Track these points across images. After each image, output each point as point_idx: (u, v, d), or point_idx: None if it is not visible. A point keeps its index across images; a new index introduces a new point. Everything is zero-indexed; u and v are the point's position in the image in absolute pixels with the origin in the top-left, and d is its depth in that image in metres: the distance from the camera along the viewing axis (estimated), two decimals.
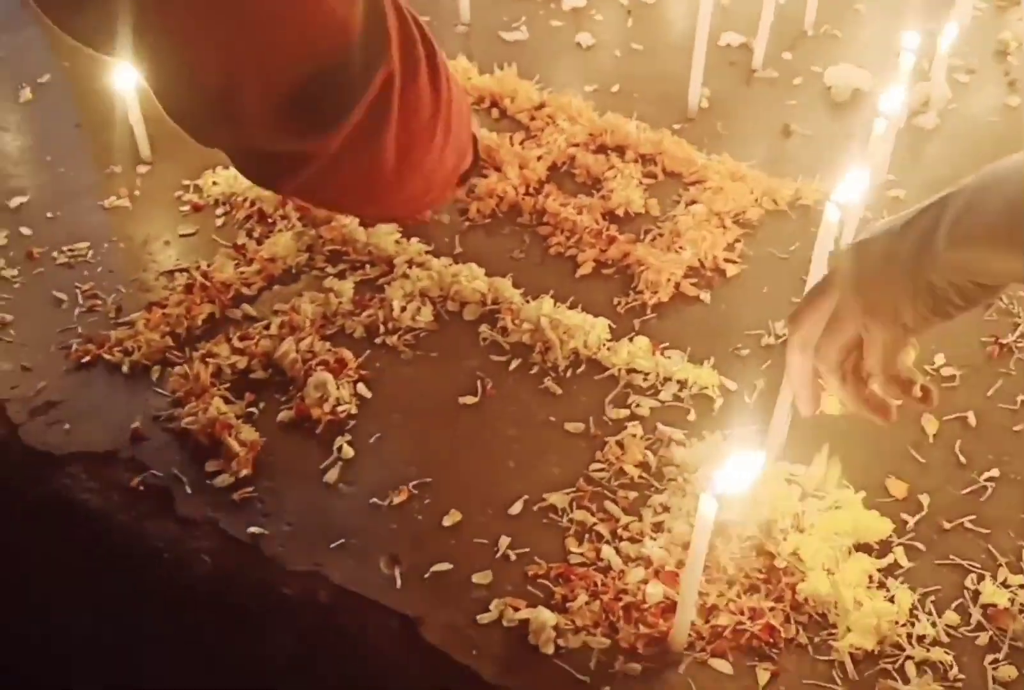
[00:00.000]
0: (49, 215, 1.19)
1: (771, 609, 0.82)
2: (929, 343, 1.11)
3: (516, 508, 0.91)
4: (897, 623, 0.82)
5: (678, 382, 1.04)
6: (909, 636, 0.82)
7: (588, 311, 1.12)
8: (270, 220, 1.18)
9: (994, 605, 0.85)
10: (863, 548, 0.89)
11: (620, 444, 0.97)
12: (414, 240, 1.17)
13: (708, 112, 1.46)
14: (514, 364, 1.05)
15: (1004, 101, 1.49)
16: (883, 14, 1.68)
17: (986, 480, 0.96)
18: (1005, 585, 0.86)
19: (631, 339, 1.07)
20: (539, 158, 1.32)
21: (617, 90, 1.49)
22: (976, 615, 0.84)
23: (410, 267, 1.13)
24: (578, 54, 1.58)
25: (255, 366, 1.01)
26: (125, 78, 1.20)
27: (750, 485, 0.72)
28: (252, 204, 1.19)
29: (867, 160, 1.15)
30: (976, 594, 0.86)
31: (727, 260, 1.20)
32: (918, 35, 1.32)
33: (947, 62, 1.53)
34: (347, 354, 1.01)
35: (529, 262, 1.19)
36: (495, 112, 1.43)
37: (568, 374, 1.05)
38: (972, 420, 1.02)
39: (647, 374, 1.04)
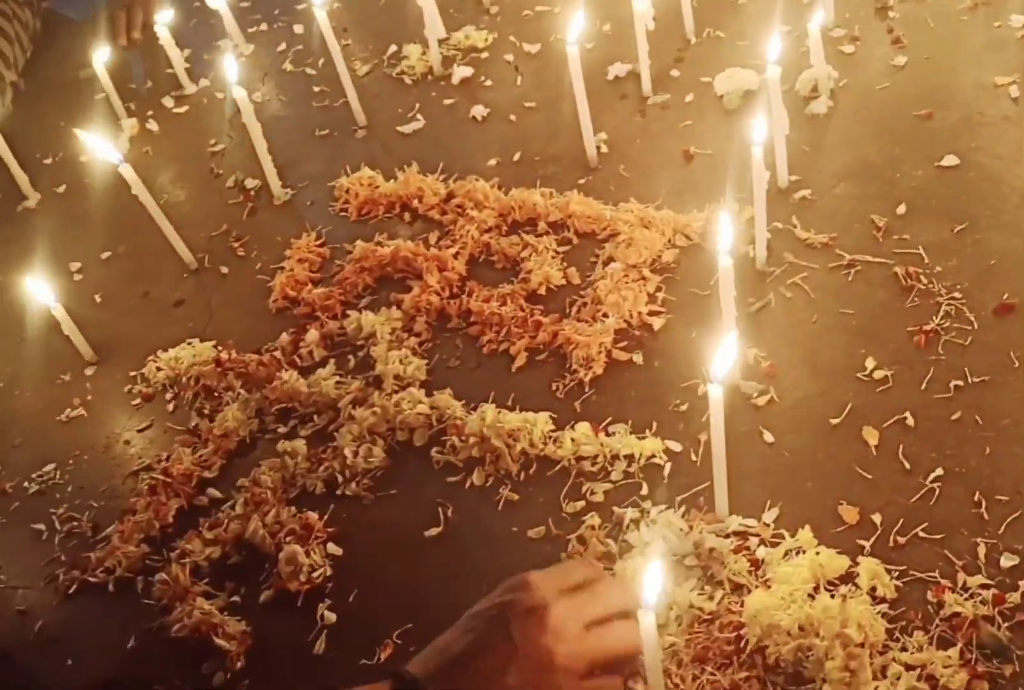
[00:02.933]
0: (13, 444, 1.32)
1: (745, 679, 0.88)
2: (857, 347, 1.16)
3: None
4: (871, 659, 0.88)
5: (625, 458, 1.11)
6: (883, 670, 0.88)
7: (529, 404, 1.19)
8: (216, 394, 1.28)
9: (958, 614, 0.90)
10: (830, 585, 0.95)
11: (581, 539, 1.04)
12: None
13: (609, 157, 1.52)
14: (469, 481, 1.13)
15: (891, 63, 1.52)
16: (762, 3, 1.72)
17: (932, 481, 1.01)
18: (965, 589, 0.91)
19: (573, 426, 1.15)
20: (456, 255, 1.40)
21: (519, 158, 1.56)
22: (942, 628, 0.89)
23: (354, 408, 1.22)
24: (475, 129, 1.65)
25: (230, 552, 1.11)
26: (45, 295, 1.33)
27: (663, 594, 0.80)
28: (197, 381, 1.30)
29: (759, 175, 1.20)
30: (939, 606, 0.91)
31: (652, 313, 1.26)
32: (779, 37, 1.37)
33: (829, 38, 1.57)
34: (312, 517, 1.10)
35: (465, 368, 1.27)
36: (407, 216, 1.51)
37: (522, 477, 1.12)
38: (911, 420, 1.07)
39: (595, 458, 1.11)
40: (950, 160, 1.34)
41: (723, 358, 0.93)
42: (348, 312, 1.35)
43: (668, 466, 1.08)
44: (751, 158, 1.17)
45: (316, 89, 1.81)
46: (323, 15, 1.61)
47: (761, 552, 0.97)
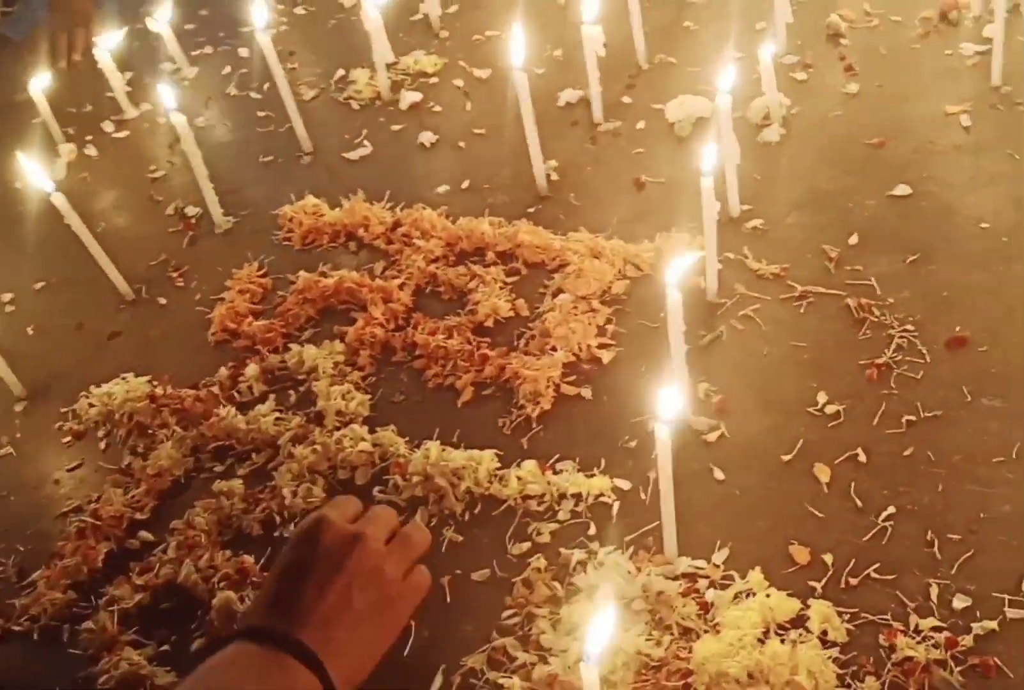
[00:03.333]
0: None
1: None
2: (809, 380, 1.14)
3: (436, 683, 0.96)
4: None
5: (573, 497, 1.08)
6: None
7: (475, 440, 1.17)
8: (150, 431, 1.24)
9: (910, 659, 0.88)
10: (780, 629, 0.93)
11: (527, 582, 1.01)
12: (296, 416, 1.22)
13: (559, 185, 1.50)
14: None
15: (844, 90, 1.52)
16: (714, 26, 1.72)
17: (884, 520, 0.99)
18: (917, 631, 0.90)
19: (520, 464, 1.12)
20: (401, 286, 1.38)
21: (468, 186, 1.54)
22: (894, 673, 0.87)
23: (294, 445, 1.19)
24: (423, 156, 1.63)
25: (161, 598, 1.07)
26: None
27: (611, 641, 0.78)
28: (130, 418, 1.26)
29: (709, 205, 1.19)
30: (891, 650, 0.89)
31: (601, 346, 1.25)
32: (730, 65, 1.36)
33: (781, 65, 1.57)
34: (248, 560, 1.07)
35: (410, 403, 1.24)
36: (352, 245, 1.49)
37: (466, 517, 1.10)
38: (863, 456, 1.05)
39: (542, 497, 1.09)
40: (902, 189, 1.34)
41: (669, 399, 0.91)
42: (290, 345, 1.32)
43: (616, 505, 1.06)
44: (702, 187, 1.16)
45: (261, 114, 1.79)
46: (266, 40, 1.59)
47: (711, 594, 0.95)
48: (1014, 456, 1.01)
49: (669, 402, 0.92)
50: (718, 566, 0.98)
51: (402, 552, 0.89)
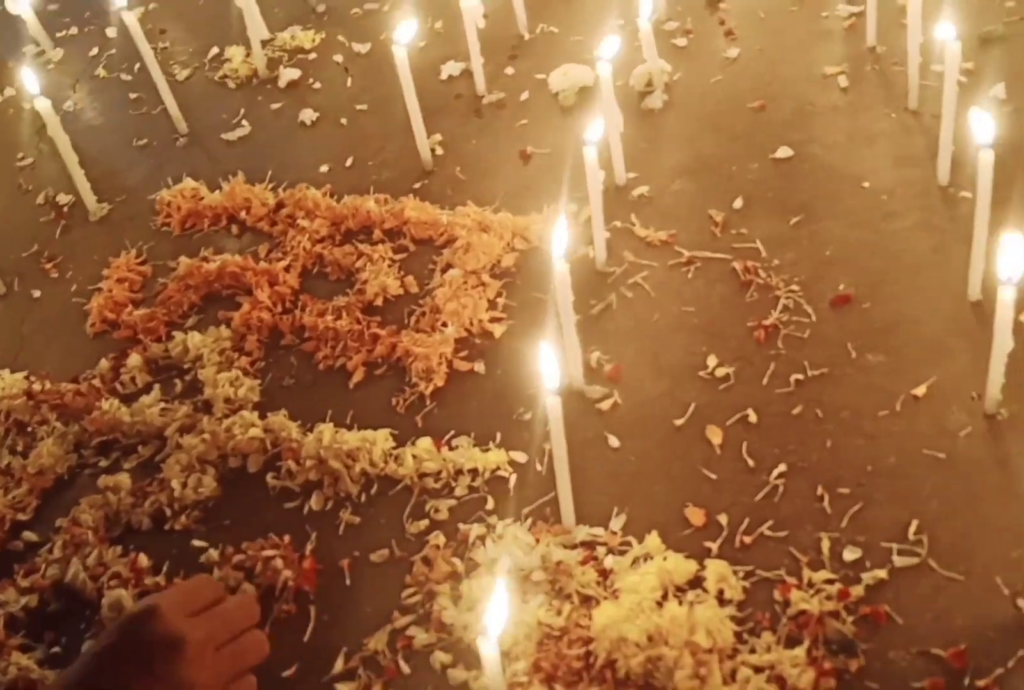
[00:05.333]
0: None
1: None
2: (699, 345, 1.18)
3: (338, 665, 0.97)
4: (720, 664, 0.89)
5: (469, 472, 1.10)
6: (733, 675, 0.89)
7: (369, 421, 1.17)
8: (29, 429, 1.23)
9: (804, 612, 0.92)
10: (678, 590, 0.96)
11: (426, 561, 1.03)
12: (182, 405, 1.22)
13: (444, 159, 1.51)
14: (308, 506, 1.11)
15: (724, 55, 1.56)
16: None
17: (776, 478, 1.03)
18: (810, 585, 0.94)
19: (414, 442, 1.13)
20: (287, 268, 1.37)
21: (351, 163, 1.54)
22: (789, 627, 0.91)
23: (182, 436, 1.18)
24: (305, 134, 1.63)
25: (48, 599, 1.06)
26: None
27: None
28: (7, 416, 1.24)
29: (593, 176, 1.21)
30: (786, 605, 0.93)
31: (493, 319, 1.26)
32: (611, 34, 1.38)
33: (662, 32, 1.60)
34: (141, 558, 1.06)
35: (301, 386, 1.25)
36: (235, 228, 1.48)
37: (363, 498, 1.11)
38: (753, 417, 1.09)
39: (438, 474, 1.10)
40: (784, 152, 1.38)
41: (550, 369, 0.93)
42: (173, 333, 1.31)
43: (513, 478, 1.08)
44: (586, 158, 1.18)
45: (133, 96, 1.77)
46: (132, 20, 1.56)
47: (609, 561, 0.98)
48: (898, 409, 1.05)
49: (552, 373, 0.94)
50: (615, 533, 1.01)
51: (231, 662, 0.82)
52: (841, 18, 1.56)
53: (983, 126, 1.06)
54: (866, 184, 1.31)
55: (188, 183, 1.52)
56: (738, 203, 1.32)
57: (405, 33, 1.38)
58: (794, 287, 1.20)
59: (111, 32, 1.88)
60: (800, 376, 1.11)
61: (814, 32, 1.55)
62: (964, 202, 1.22)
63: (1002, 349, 0.97)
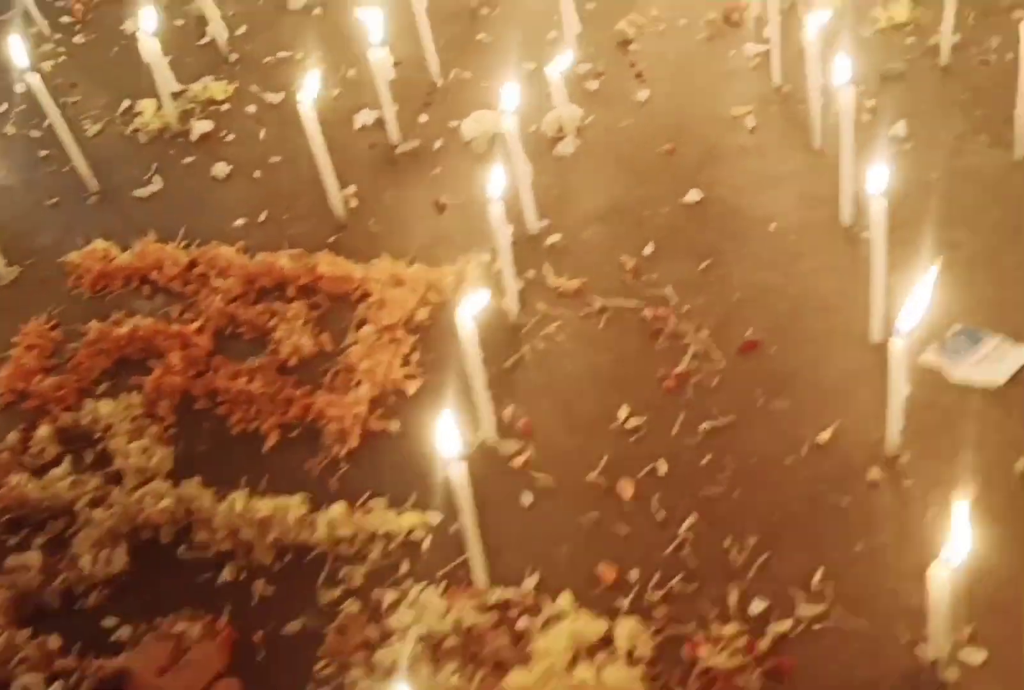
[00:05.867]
0: None
1: None
2: (611, 395, 1.20)
3: None
4: None
5: (384, 537, 1.11)
6: None
7: (283, 485, 1.18)
8: None
9: (711, 669, 0.94)
10: (591, 651, 0.97)
11: (340, 630, 1.04)
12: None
13: (359, 212, 1.53)
14: (220, 578, 1.11)
15: (634, 98, 1.59)
16: (506, 38, 1.77)
17: (686, 530, 1.05)
18: (719, 639, 0.95)
19: (328, 507, 1.14)
20: (200, 330, 1.38)
21: (265, 218, 1.55)
22: (699, 684, 0.93)
23: (93, 508, 1.18)
24: (218, 189, 1.64)
25: None
26: None
27: None
28: None
29: (501, 230, 1.24)
30: (694, 662, 0.95)
31: (407, 377, 1.28)
32: (518, 84, 1.41)
33: (573, 74, 1.62)
34: (52, 641, 1.06)
35: (215, 452, 1.25)
36: (146, 289, 1.48)
37: (277, 567, 1.11)
38: (663, 468, 1.11)
39: (353, 539, 1.11)
40: (693, 195, 1.41)
41: (451, 437, 0.95)
42: (84, 401, 1.31)
43: (428, 540, 1.10)
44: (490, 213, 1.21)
45: (43, 153, 1.77)
46: (36, 81, 1.57)
47: (523, 622, 0.99)
48: (803, 455, 1.08)
49: (452, 441, 0.95)
50: (528, 593, 1.02)
51: None
52: (748, 58, 1.60)
53: (877, 175, 1.09)
54: (773, 226, 1.34)
55: (99, 244, 1.53)
56: (649, 248, 1.35)
57: (310, 88, 1.40)
58: (703, 333, 1.23)
59: (20, 88, 1.87)
60: (709, 425, 1.13)
61: (722, 72, 1.59)
62: (867, 243, 1.25)
63: (898, 396, 1.00)
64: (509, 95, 1.34)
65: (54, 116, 1.60)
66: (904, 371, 0.98)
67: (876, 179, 1.10)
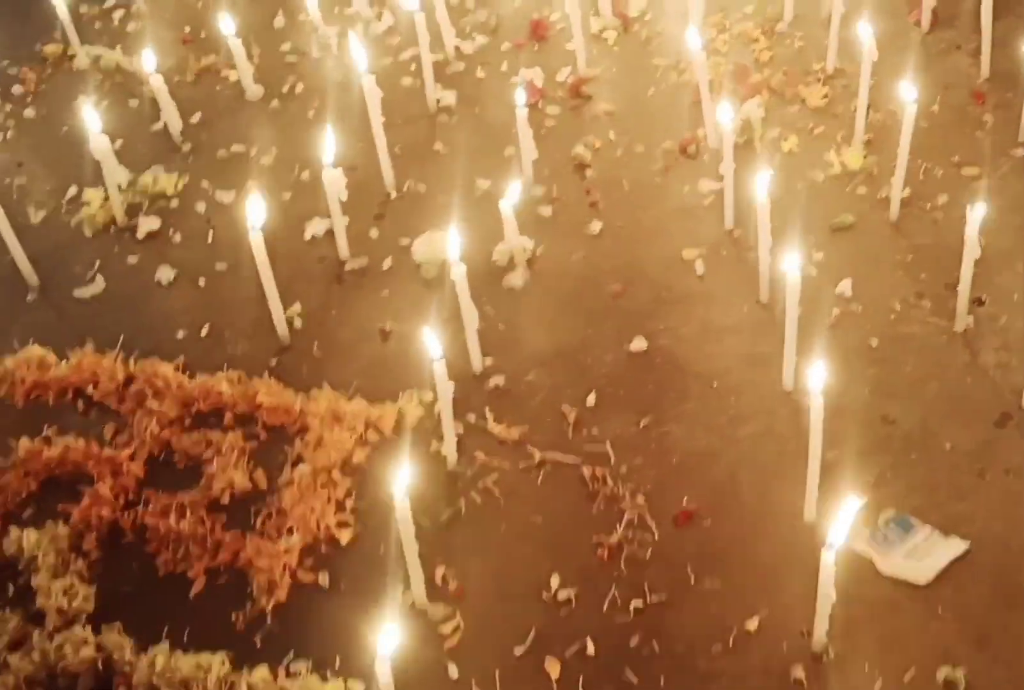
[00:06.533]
0: None
1: None
2: (545, 561, 1.22)
3: None
4: None
5: None
6: None
7: (207, 638, 1.18)
8: None
9: None
10: None
11: None
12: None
13: (303, 333, 1.53)
14: None
15: (587, 230, 1.62)
16: (463, 150, 1.80)
17: None
18: None
19: (252, 669, 1.15)
20: (132, 456, 1.38)
21: (207, 332, 1.56)
22: None
23: (11, 652, 1.18)
24: (161, 295, 1.63)
25: None
26: None
27: None
28: None
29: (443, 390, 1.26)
30: None
31: (340, 524, 1.29)
32: (458, 236, 1.43)
33: (528, 198, 1.65)
34: None
35: (141, 594, 1.25)
36: (80, 404, 1.48)
37: None
38: (591, 648, 1.13)
39: None
40: (638, 343, 1.44)
41: (390, 638, 0.96)
42: (9, 527, 1.31)
43: None
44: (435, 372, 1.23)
45: None
46: None
47: None
48: (731, 644, 1.11)
49: (389, 640, 0.97)
50: None
51: None
52: (702, 195, 1.64)
53: (815, 379, 1.13)
54: (715, 384, 1.37)
55: (35, 350, 1.52)
56: (591, 399, 1.38)
57: (256, 215, 1.41)
58: (639, 499, 1.26)
59: None
60: (640, 602, 1.16)
61: (675, 209, 1.63)
62: (807, 411, 1.28)
63: (827, 600, 1.04)
64: (454, 245, 1.36)
65: None
66: (831, 579, 1.01)
67: (817, 369, 1.14)
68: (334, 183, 1.56)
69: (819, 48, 1.85)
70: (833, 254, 1.51)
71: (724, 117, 1.53)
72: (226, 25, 1.87)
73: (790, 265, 1.27)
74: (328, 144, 1.55)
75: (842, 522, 1.00)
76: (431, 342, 1.24)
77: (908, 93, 1.47)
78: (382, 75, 1.74)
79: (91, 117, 1.67)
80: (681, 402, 1.36)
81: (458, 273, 1.33)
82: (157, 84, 1.82)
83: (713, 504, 1.24)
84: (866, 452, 1.27)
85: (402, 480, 1.11)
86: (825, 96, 1.77)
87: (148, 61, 1.82)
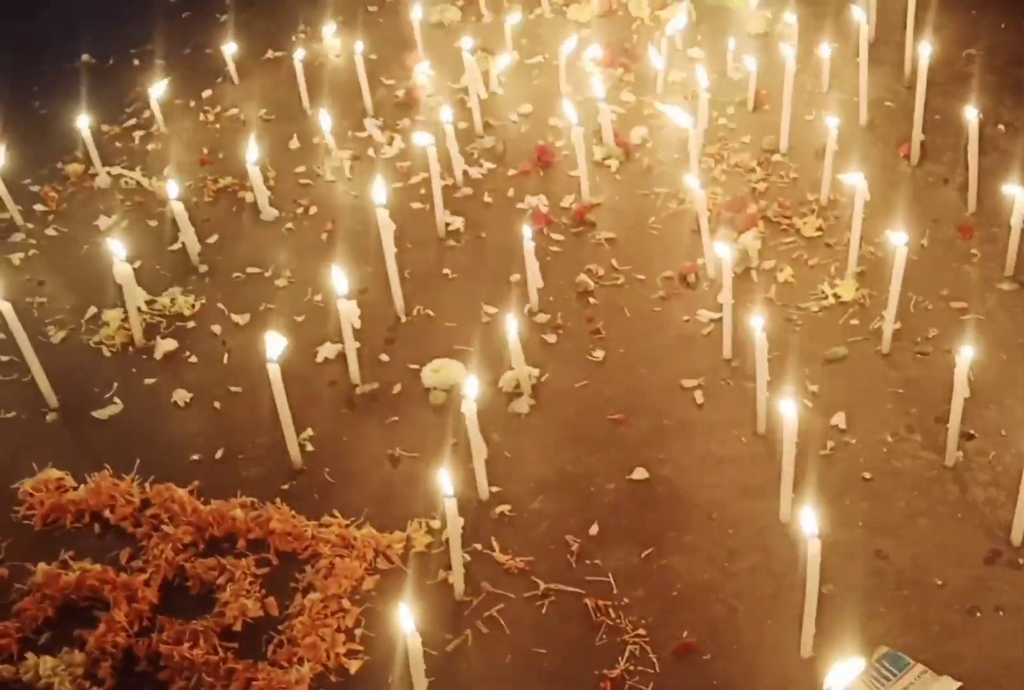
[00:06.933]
0: None
1: None
2: None
3: None
4: None
5: None
6: None
7: None
8: None
9: None
10: None
11: None
12: None
13: (314, 457, 1.60)
14: None
15: (590, 357, 1.69)
16: (470, 275, 1.88)
17: None
18: None
19: None
20: (147, 582, 1.43)
21: (221, 455, 1.62)
22: None
23: None
24: (177, 417, 1.70)
25: None
26: None
27: None
28: None
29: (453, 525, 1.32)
30: None
31: (349, 653, 1.34)
32: (474, 382, 1.51)
33: (533, 324, 1.73)
34: None
35: None
36: (97, 527, 1.53)
37: None
38: None
39: None
40: (640, 473, 1.51)
41: None
42: (26, 654, 1.35)
43: None
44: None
45: (4, 359, 1.81)
46: (6, 307, 1.64)
47: None
48: None
49: None
50: None
51: None
52: (702, 324, 1.72)
53: (809, 522, 1.20)
54: (714, 515, 1.43)
55: (53, 473, 1.58)
56: (594, 529, 1.43)
57: (276, 350, 1.49)
58: (641, 631, 1.31)
59: None
60: None
61: (676, 337, 1.70)
62: (802, 544, 1.34)
63: None
64: (470, 386, 1.44)
65: (17, 331, 1.65)
66: None
67: (811, 512, 1.20)
68: (347, 313, 1.64)
69: (813, 179, 1.95)
70: (827, 386, 1.58)
71: (723, 251, 1.62)
72: (251, 153, 1.98)
73: (787, 404, 1.34)
74: (340, 277, 1.63)
75: (843, 676, 1.05)
76: (445, 481, 1.30)
77: (898, 238, 1.56)
78: (393, 199, 1.84)
79: (116, 246, 1.76)
80: (682, 534, 1.42)
81: (469, 409, 1.40)
82: (178, 209, 1.91)
83: (712, 638, 1.29)
84: (860, 587, 1.33)
85: (410, 616, 1.16)
86: (819, 228, 1.86)
87: (172, 189, 1.92)
